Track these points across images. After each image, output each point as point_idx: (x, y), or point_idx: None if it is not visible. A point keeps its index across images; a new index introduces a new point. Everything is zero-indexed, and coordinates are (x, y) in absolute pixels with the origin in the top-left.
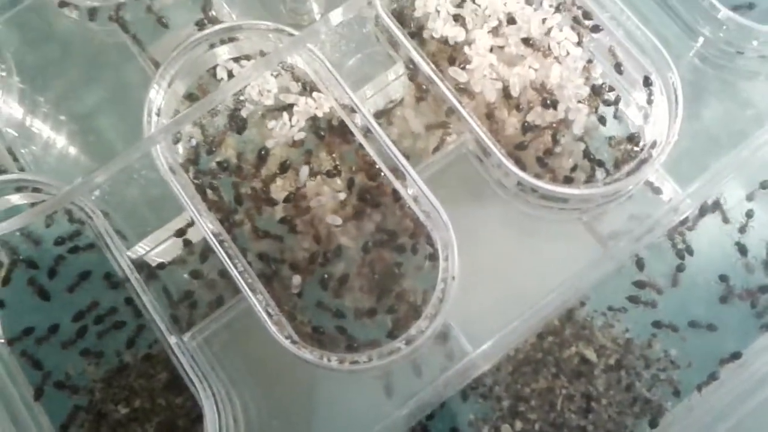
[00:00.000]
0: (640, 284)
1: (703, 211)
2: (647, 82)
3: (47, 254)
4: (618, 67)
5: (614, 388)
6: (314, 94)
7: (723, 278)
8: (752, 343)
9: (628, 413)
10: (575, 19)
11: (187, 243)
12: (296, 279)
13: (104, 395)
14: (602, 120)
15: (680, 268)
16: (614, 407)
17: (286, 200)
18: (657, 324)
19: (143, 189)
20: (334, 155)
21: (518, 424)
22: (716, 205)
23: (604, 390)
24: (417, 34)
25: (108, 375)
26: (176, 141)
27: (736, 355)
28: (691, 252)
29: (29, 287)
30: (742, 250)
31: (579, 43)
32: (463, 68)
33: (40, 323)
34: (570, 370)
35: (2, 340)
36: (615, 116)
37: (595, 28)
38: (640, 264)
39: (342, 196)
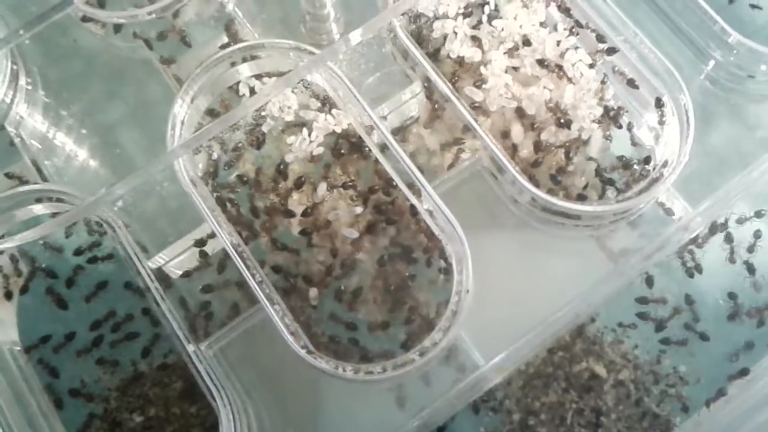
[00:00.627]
0: (643, 300)
1: (713, 230)
2: (659, 104)
3: (66, 264)
4: (632, 83)
5: (623, 403)
6: (333, 111)
7: (731, 296)
8: (760, 360)
9: (637, 428)
10: (589, 42)
11: (205, 254)
12: (312, 291)
13: (119, 404)
14: (614, 140)
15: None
16: (623, 422)
17: (303, 214)
18: (665, 341)
19: (163, 201)
20: (351, 170)
21: None
22: (724, 226)
23: (613, 405)
24: (434, 54)
25: (123, 384)
26: (197, 155)
27: (744, 372)
28: (700, 270)
29: (47, 296)
30: (750, 269)
31: (593, 65)
32: (479, 88)
33: (58, 332)
34: (580, 384)
35: (19, 348)
36: (627, 136)
37: (610, 51)
38: (649, 281)
39: (358, 210)
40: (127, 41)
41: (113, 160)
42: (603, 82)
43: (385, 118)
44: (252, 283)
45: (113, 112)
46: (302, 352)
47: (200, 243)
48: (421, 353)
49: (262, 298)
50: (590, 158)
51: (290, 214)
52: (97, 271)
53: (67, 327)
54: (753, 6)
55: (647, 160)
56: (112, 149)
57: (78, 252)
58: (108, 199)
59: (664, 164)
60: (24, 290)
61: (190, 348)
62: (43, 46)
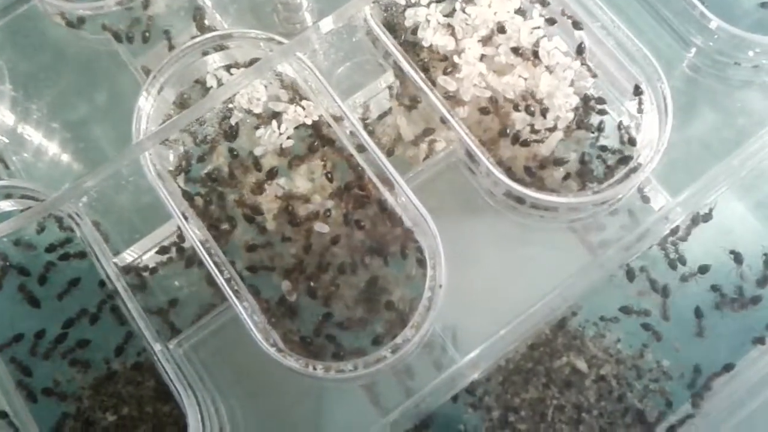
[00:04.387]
0: (626, 310)
1: (696, 220)
2: (637, 91)
3: (38, 261)
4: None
5: (605, 398)
6: (303, 102)
7: (715, 288)
8: (745, 355)
9: (620, 424)
10: (565, 29)
11: (177, 250)
12: (285, 285)
13: (92, 403)
14: (592, 129)
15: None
16: (605, 418)
17: (275, 208)
18: (646, 326)
19: (132, 196)
20: (323, 163)
21: None
22: (708, 215)
23: (595, 401)
24: (407, 43)
25: (96, 382)
26: (167, 148)
27: (728, 367)
28: (683, 262)
29: (19, 294)
30: (738, 258)
31: (568, 53)
32: (453, 77)
33: (30, 330)
34: (561, 380)
35: None
36: (605, 125)
37: (585, 36)
38: (630, 274)
39: (330, 204)
40: (95, 33)
41: (83, 155)
42: (580, 70)
43: (357, 108)
44: (220, 280)
45: (83, 105)
46: (271, 351)
47: (163, 250)
48: (393, 350)
49: (230, 296)
50: (568, 148)
51: (261, 210)
52: (70, 267)
53: (40, 325)
54: None
55: (626, 149)
56: (81, 144)
57: (50, 249)
58: (73, 194)
59: (643, 153)
60: None
61: (157, 347)
62: (10, 38)
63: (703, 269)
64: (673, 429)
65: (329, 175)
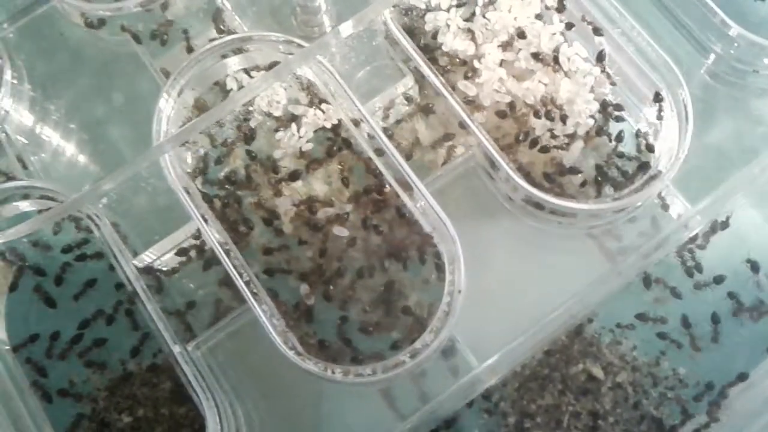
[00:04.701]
0: (642, 317)
1: (714, 228)
2: (657, 98)
3: (54, 262)
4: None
5: (621, 406)
6: (323, 105)
7: (731, 295)
8: (760, 363)
9: (635, 431)
10: (585, 35)
11: (195, 252)
12: (303, 289)
13: (108, 404)
14: (611, 135)
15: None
16: (621, 425)
17: (293, 211)
18: (662, 335)
19: (151, 197)
20: (341, 167)
21: None
22: (725, 224)
23: (610, 408)
24: (426, 47)
25: (112, 384)
26: (186, 150)
27: (742, 377)
28: (700, 269)
29: (35, 294)
30: (754, 267)
31: (588, 59)
32: (473, 82)
33: (46, 330)
34: (577, 387)
35: (7, 347)
36: (624, 132)
37: (605, 43)
38: (647, 281)
39: (349, 207)
40: (114, 35)
41: (101, 156)
42: (600, 77)
43: (376, 112)
44: (239, 283)
45: (101, 107)
46: (290, 354)
47: (182, 252)
48: (412, 355)
49: (250, 298)
50: (588, 154)
51: (279, 213)
52: (86, 268)
53: (56, 325)
54: None
55: (645, 156)
56: (99, 145)
57: (66, 250)
58: (93, 196)
59: (663, 160)
60: (13, 288)
61: (176, 349)
62: (29, 39)
63: (719, 279)
64: None
65: (347, 179)
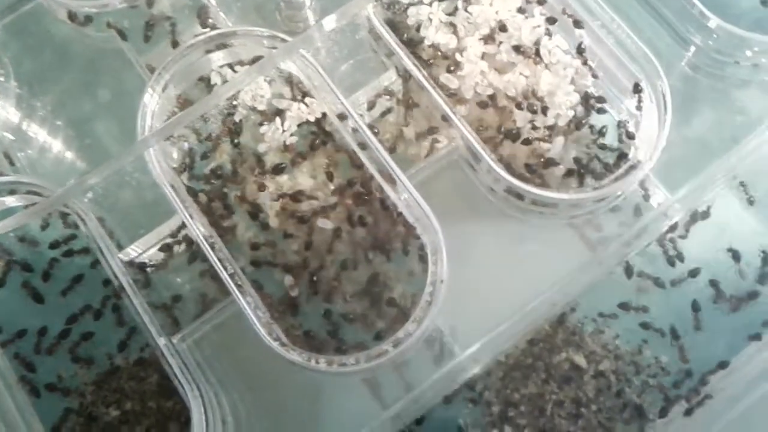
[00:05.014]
0: (624, 306)
1: (694, 217)
2: (637, 89)
3: (42, 257)
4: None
5: (604, 394)
6: (307, 99)
7: (713, 283)
8: (741, 351)
9: (618, 419)
10: (566, 28)
11: (181, 246)
12: (287, 280)
13: (95, 398)
14: (591, 126)
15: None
16: (604, 413)
17: (278, 205)
18: (645, 325)
19: (136, 192)
20: (325, 160)
21: (508, 430)
22: (706, 213)
23: (593, 396)
24: (409, 41)
25: (99, 378)
26: (171, 145)
27: (722, 365)
28: (682, 258)
29: (23, 290)
30: (735, 256)
31: (569, 51)
32: (455, 75)
33: (34, 326)
34: (560, 375)
35: None
36: (606, 124)
37: (585, 35)
38: (628, 270)
39: (333, 200)
40: (100, 31)
41: (87, 152)
42: (580, 69)
43: (359, 105)
44: (223, 275)
45: (87, 103)
46: (275, 345)
47: (167, 246)
48: (395, 344)
49: (234, 291)
50: (568, 145)
51: (264, 206)
52: (73, 264)
53: (44, 321)
54: None
55: (625, 146)
56: (85, 141)
57: (54, 245)
58: (78, 190)
59: (642, 151)
60: (0, 284)
61: (161, 341)
62: (15, 36)
63: (694, 272)
64: (671, 423)
65: (331, 172)
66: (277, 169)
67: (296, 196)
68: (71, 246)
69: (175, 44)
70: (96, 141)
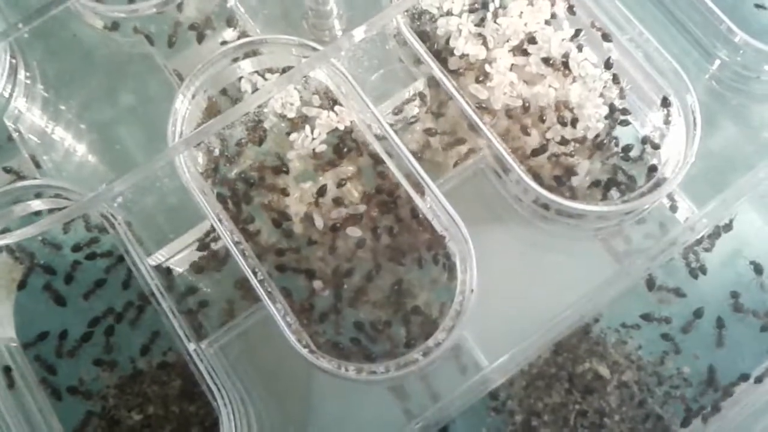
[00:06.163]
0: (647, 317)
1: (718, 231)
2: (665, 103)
3: (64, 260)
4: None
5: (627, 404)
6: (336, 107)
7: (734, 294)
8: (763, 363)
9: (640, 430)
10: (595, 41)
11: (207, 250)
12: (316, 285)
13: (118, 401)
14: (620, 139)
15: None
16: (626, 423)
17: (305, 212)
18: (666, 336)
19: (164, 197)
20: (354, 168)
21: None
22: (729, 226)
23: (616, 406)
24: (438, 51)
25: (122, 381)
26: (197, 151)
27: (744, 377)
28: (704, 271)
29: (45, 292)
30: (758, 269)
31: (598, 64)
32: (484, 86)
33: (55, 328)
34: (583, 385)
35: (16, 345)
36: (632, 137)
37: (613, 48)
38: (650, 283)
39: (361, 208)
40: (127, 36)
41: (112, 156)
42: (609, 82)
43: (388, 114)
44: (254, 282)
45: (113, 107)
46: (304, 352)
47: (202, 241)
48: (425, 353)
49: (264, 297)
50: (597, 157)
51: (291, 214)
52: (96, 267)
53: (65, 324)
54: (758, 6)
55: (653, 160)
56: (111, 145)
57: (76, 248)
58: (108, 195)
59: (670, 165)
60: (21, 286)
61: (191, 346)
62: (42, 40)
63: (698, 313)
64: None
65: (360, 180)
66: (304, 178)
67: (323, 204)
68: (94, 249)
69: (200, 38)
70: (121, 145)
